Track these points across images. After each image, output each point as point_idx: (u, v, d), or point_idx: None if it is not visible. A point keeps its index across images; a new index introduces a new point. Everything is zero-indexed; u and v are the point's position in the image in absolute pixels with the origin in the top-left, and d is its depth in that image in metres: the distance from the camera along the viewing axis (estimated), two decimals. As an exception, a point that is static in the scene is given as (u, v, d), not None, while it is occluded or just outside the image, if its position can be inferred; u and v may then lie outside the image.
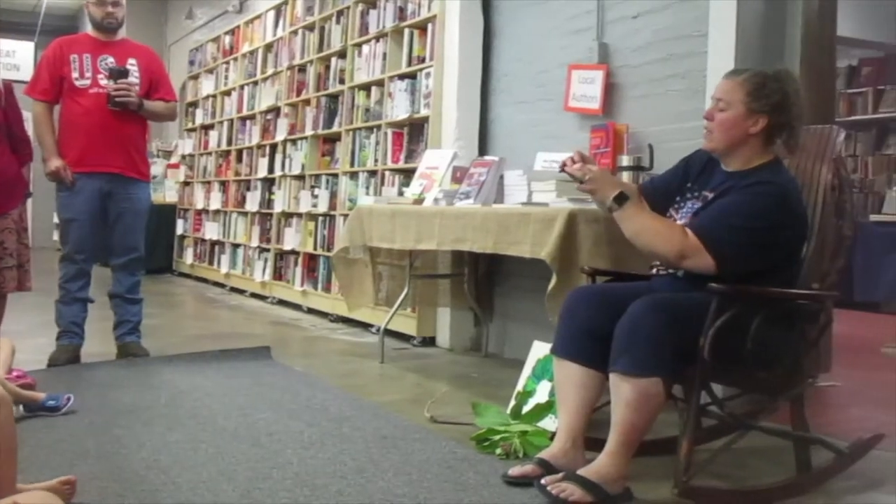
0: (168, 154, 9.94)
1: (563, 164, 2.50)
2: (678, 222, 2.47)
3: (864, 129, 7.74)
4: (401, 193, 4.76)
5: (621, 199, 2.37)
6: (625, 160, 3.60)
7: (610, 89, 3.98)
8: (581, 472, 2.24)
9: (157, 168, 9.35)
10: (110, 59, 4.00)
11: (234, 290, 7.54)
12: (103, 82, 3.95)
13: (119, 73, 3.95)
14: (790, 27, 3.50)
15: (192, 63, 9.49)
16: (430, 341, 4.83)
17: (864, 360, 4.64)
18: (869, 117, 7.63)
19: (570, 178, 2.52)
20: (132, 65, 4.05)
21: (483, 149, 4.83)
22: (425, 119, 5.00)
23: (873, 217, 6.85)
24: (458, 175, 4.21)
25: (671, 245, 2.31)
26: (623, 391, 2.21)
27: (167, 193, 9.43)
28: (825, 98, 3.95)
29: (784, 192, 2.33)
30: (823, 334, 2.58)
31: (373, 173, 5.52)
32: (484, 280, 4.67)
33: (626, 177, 3.56)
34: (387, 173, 5.32)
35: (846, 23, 5.18)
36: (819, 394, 3.62)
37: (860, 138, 7.76)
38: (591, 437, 2.44)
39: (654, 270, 2.57)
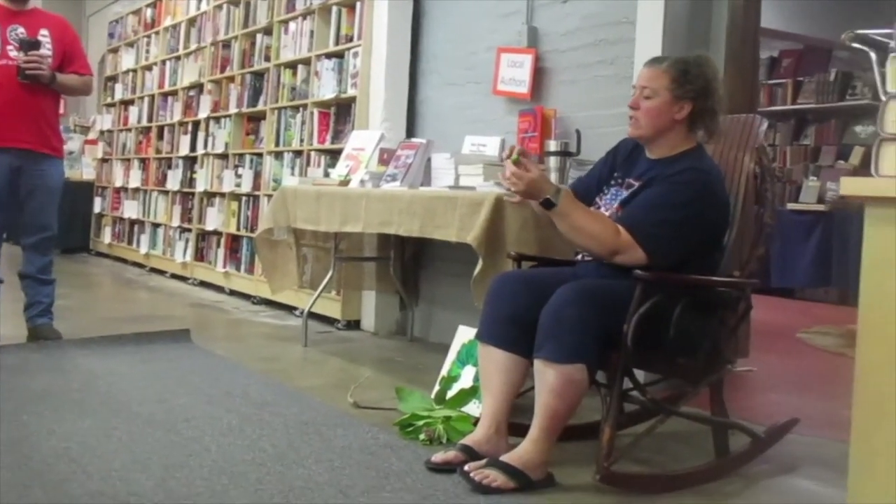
0: (86, 130, 9.61)
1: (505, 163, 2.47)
2: (602, 209, 2.48)
3: (783, 119, 7.93)
4: (326, 174, 4.68)
5: (552, 202, 2.34)
6: (552, 145, 3.59)
7: (538, 73, 3.97)
8: (504, 458, 2.23)
9: (73, 144, 9.06)
10: (21, 30, 3.82)
11: (154, 270, 7.35)
12: (13, 54, 3.78)
13: (30, 45, 3.78)
14: (716, 17, 3.55)
15: (111, 36, 9.19)
16: (354, 325, 4.78)
17: (781, 346, 4.77)
18: (788, 108, 7.82)
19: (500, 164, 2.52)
20: (44, 36, 3.88)
21: (411, 131, 4.78)
22: (352, 99, 4.92)
23: (790, 205, 7.04)
24: (385, 157, 4.17)
25: (604, 243, 2.32)
26: (547, 377, 2.20)
27: (84, 171, 9.12)
28: (749, 88, 4.01)
29: (709, 179, 2.35)
30: (743, 321, 2.62)
31: (298, 153, 5.42)
32: (410, 264, 4.64)
33: (553, 161, 3.55)
34: (312, 154, 5.24)
35: (768, 14, 5.27)
36: (737, 379, 3.69)
37: (779, 128, 7.94)
38: (514, 423, 2.43)
39: (580, 256, 2.57)
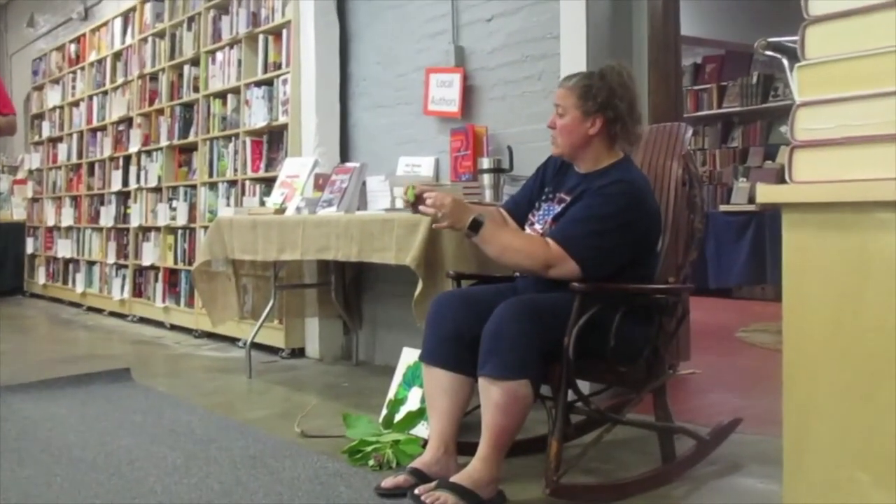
0: (14, 169, 9.39)
1: (411, 205, 2.48)
2: (536, 226, 2.50)
3: (710, 123, 8.10)
4: (262, 203, 4.65)
5: (476, 224, 2.37)
6: (485, 162, 3.61)
7: (468, 92, 4.00)
8: (454, 478, 2.22)
9: (1, 184, 8.86)
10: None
11: (91, 309, 7.19)
12: (-69, 97, 3.69)
13: (-51, 87, 3.69)
14: (636, 27, 3.62)
15: (35, 73, 9.00)
16: (299, 352, 4.73)
17: (721, 346, 4.85)
18: (714, 112, 8.00)
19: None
20: (-37, 77, 3.80)
21: (345, 155, 4.77)
22: (284, 126, 4.89)
23: (722, 207, 7.19)
24: (320, 182, 4.14)
25: (535, 259, 2.33)
26: (492, 394, 2.20)
27: (14, 211, 8.90)
28: (673, 95, 4.08)
29: (635, 189, 2.38)
30: (681, 325, 2.66)
31: (232, 183, 5.37)
32: (351, 287, 4.61)
33: (487, 179, 3.58)
34: (247, 183, 5.19)
35: (689, 22, 5.39)
36: (680, 382, 3.74)
37: (707, 132, 8.11)
38: (462, 442, 2.43)
39: (517, 273, 2.58)
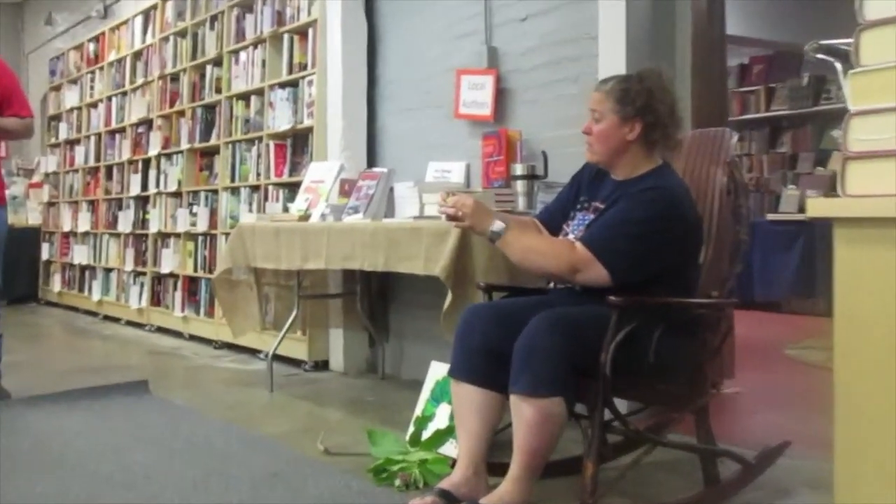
0: (30, 172, 9.52)
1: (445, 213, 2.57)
2: (570, 236, 2.50)
3: (757, 127, 8.04)
4: (285, 209, 4.68)
5: (499, 227, 2.42)
6: (518, 169, 3.62)
7: (500, 94, 4.01)
8: (484, 500, 2.23)
9: (17, 188, 8.98)
10: (-45, 74, 3.81)
11: (107, 318, 7.28)
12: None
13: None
14: (680, 27, 3.60)
15: (53, 73, 9.14)
16: (322, 365, 4.76)
17: (768, 363, 4.80)
18: (762, 115, 7.93)
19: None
20: (-20, 78, 3.87)
21: (371, 160, 4.80)
22: (309, 129, 4.93)
23: (770, 216, 7.12)
24: (346, 188, 4.18)
25: (559, 260, 2.35)
26: (524, 413, 2.20)
27: (30, 216, 9.04)
28: (717, 98, 4.07)
29: (672, 195, 2.38)
30: (725, 341, 2.64)
31: (255, 188, 5.41)
32: (378, 298, 4.63)
33: (520, 185, 3.58)
34: (270, 188, 5.23)
35: (735, 22, 5.37)
36: (724, 401, 3.72)
37: (754, 136, 8.05)
38: (493, 462, 2.43)
39: (552, 284, 2.59)
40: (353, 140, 4.76)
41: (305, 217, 4.11)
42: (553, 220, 2.66)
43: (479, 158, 4.01)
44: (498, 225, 2.43)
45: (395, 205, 3.91)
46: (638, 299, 2.26)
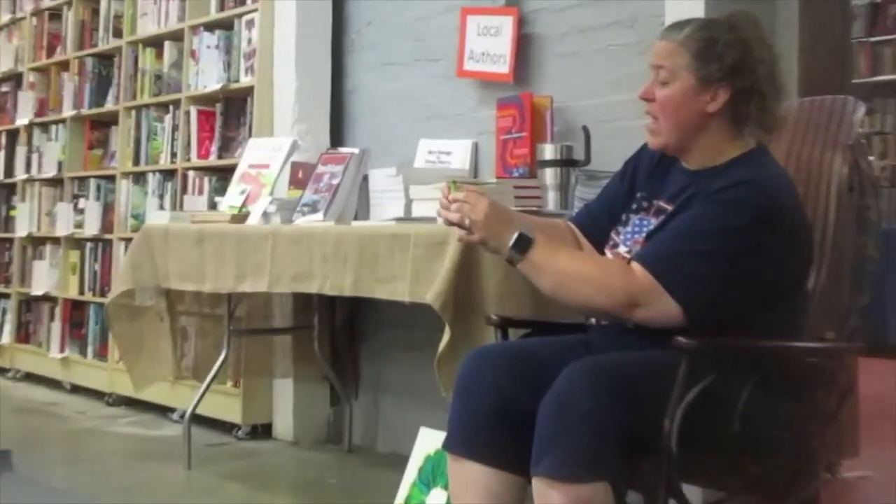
0: None
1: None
2: (621, 248, 2.50)
3: (892, 93, 8.02)
4: (213, 206, 4.69)
5: (523, 242, 2.38)
6: (548, 151, 3.62)
7: (524, 44, 4.01)
8: None
9: None
10: None
11: (-46, 359, 7.28)
12: None
13: None
14: (782, -48, 3.61)
15: None
16: (264, 431, 4.76)
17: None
18: (898, 77, 7.93)
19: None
20: None
21: (337, 136, 4.82)
22: (248, 91, 4.95)
23: (910, 223, 7.12)
24: (300, 176, 4.18)
25: (610, 293, 2.32)
26: (553, 502, 2.20)
27: None
28: (836, 53, 4.08)
29: (772, 194, 2.36)
30: (845, 403, 2.64)
31: (169, 175, 5.42)
32: (344, 335, 4.63)
33: (550, 175, 3.59)
34: (190, 175, 5.24)
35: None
36: (843, 490, 3.71)
37: (889, 108, 8.03)
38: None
39: (592, 320, 2.59)
40: (312, 107, 4.78)
41: (241, 217, 4.12)
42: (596, 227, 2.64)
43: (491, 135, 4.02)
44: (520, 238, 2.41)
45: (370, 201, 3.92)
46: (719, 341, 2.25)
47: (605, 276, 2.37)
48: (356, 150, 4.00)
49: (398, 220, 3.49)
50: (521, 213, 2.74)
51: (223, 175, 4.92)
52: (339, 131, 4.84)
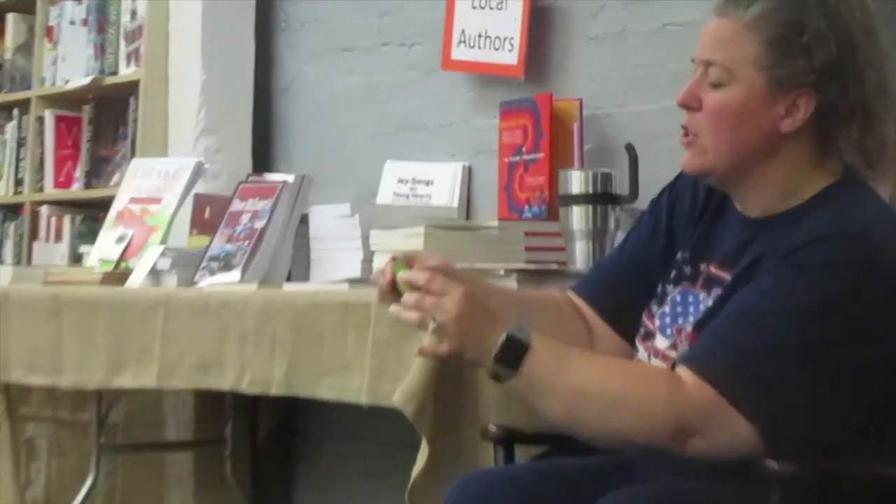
0: None
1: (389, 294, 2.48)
2: (659, 341, 2.50)
3: None
4: (77, 260, 4.71)
5: (513, 349, 2.34)
6: (575, 180, 3.64)
7: (540, 22, 4.07)
8: None
9: None
10: None
11: None
12: None
13: None
14: None
15: None
16: None
17: None
18: None
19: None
20: None
21: (263, 156, 4.88)
22: (131, 88, 5.00)
23: None
24: (208, 216, 4.20)
25: (653, 418, 2.26)
26: None
27: None
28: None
29: (878, 246, 2.34)
30: None
31: (11, 211, 5.45)
32: (270, 453, 4.65)
33: (579, 217, 3.61)
34: (43, 212, 5.26)
35: None
36: None
37: None
38: None
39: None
40: (227, 112, 4.83)
41: (119, 277, 4.13)
42: (616, 303, 2.62)
43: (492, 156, 4.06)
44: (510, 342, 2.31)
45: (310, 254, 3.94)
46: (824, 467, 2.27)
47: (641, 393, 2.30)
48: (291, 178, 4.01)
49: (352, 282, 3.51)
50: (504, 290, 2.77)
51: (92, 213, 4.95)
52: (267, 149, 4.89)
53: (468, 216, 4.10)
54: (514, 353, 2.28)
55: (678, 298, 2.52)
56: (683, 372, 2.27)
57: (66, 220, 5.17)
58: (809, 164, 2.43)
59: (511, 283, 3.20)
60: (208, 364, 3.55)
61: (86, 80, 5.13)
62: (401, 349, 3.05)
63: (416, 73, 4.41)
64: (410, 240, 3.50)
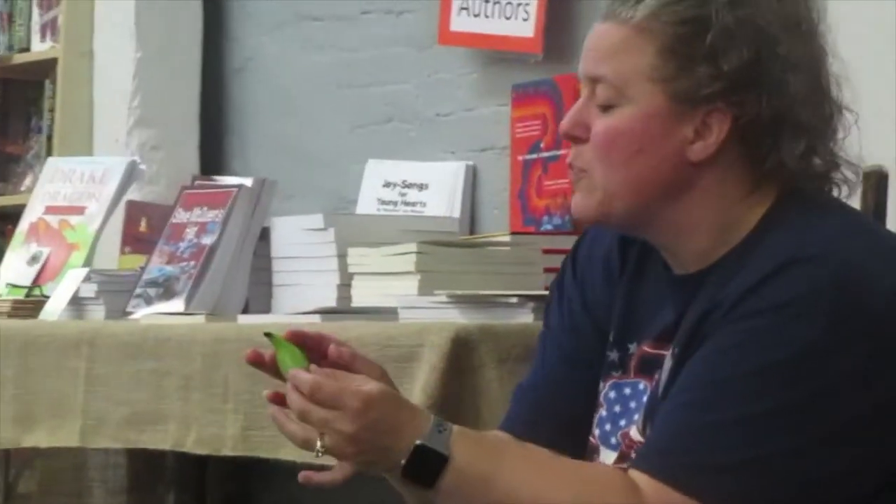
0: None
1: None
2: (606, 458, 2.49)
3: None
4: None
5: (424, 462, 2.28)
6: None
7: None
8: None
9: None
10: None
11: None
12: None
13: None
14: None
15: None
16: None
17: None
18: None
19: None
20: None
21: (213, 153, 4.87)
22: (46, 68, 5.01)
23: None
24: (144, 229, 4.21)
25: None
26: None
27: None
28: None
29: (841, 267, 2.31)
30: None
31: None
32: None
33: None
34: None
35: None
36: None
37: None
38: None
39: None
40: (167, 99, 4.83)
41: (31, 307, 4.15)
42: (556, 425, 2.60)
43: (502, 153, 4.07)
44: (419, 453, 2.26)
45: (272, 278, 3.94)
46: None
47: (582, 492, 2.34)
48: (247, 182, 4.02)
49: (325, 312, 3.52)
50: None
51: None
52: (218, 145, 4.89)
53: (472, 230, 4.09)
54: (426, 467, 2.17)
55: (612, 396, 2.48)
56: (638, 476, 2.24)
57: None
58: (742, 192, 2.30)
59: (526, 316, 3.18)
60: (144, 418, 3.55)
61: (-10, 59, 5.15)
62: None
63: (406, 48, 4.42)
64: (399, 259, 3.50)
